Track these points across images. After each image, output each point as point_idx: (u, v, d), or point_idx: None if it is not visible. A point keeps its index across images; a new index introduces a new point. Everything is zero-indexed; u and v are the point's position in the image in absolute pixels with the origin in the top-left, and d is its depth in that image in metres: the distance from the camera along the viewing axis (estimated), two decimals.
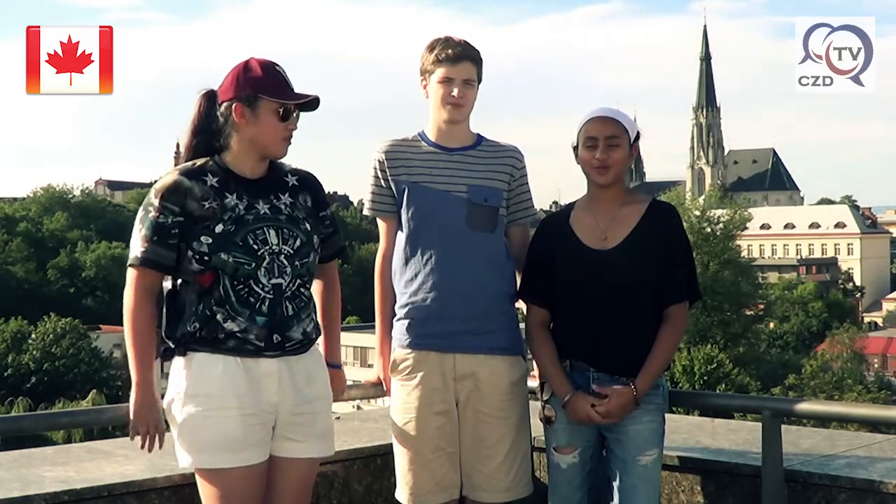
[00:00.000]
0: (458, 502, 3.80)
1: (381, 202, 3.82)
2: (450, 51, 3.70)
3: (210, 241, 3.30)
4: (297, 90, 3.40)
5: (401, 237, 3.77)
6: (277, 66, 3.40)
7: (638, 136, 3.68)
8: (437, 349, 3.70)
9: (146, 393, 3.31)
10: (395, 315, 3.79)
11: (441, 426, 3.72)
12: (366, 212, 3.88)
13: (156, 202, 3.32)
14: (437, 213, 3.72)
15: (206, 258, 3.30)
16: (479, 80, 3.78)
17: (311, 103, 3.41)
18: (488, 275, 3.72)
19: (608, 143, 3.60)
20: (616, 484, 3.54)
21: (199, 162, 3.41)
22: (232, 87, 3.37)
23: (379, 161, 3.80)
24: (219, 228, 3.31)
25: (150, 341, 3.32)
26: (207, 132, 3.42)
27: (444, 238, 3.71)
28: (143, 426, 3.30)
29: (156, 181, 3.43)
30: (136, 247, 3.32)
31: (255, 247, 3.33)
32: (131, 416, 3.31)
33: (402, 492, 3.79)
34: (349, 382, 3.83)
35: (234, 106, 3.36)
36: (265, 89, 3.34)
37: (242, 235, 3.33)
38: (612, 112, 3.66)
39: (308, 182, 3.53)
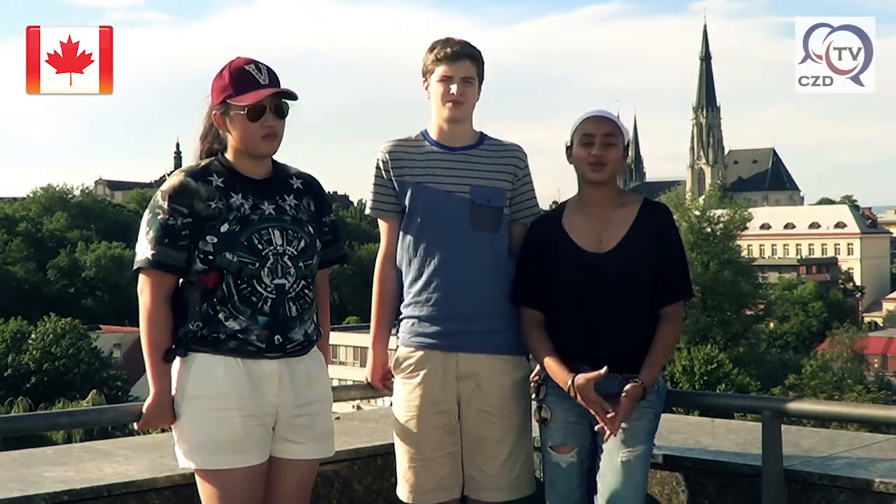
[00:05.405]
0: (459, 501, 3.81)
1: (383, 202, 3.82)
2: (448, 49, 3.71)
3: (215, 240, 3.31)
4: (283, 86, 3.35)
5: (405, 237, 3.77)
6: (250, 64, 3.36)
7: (629, 144, 3.71)
8: (441, 348, 3.70)
9: (162, 395, 3.34)
10: (399, 314, 3.80)
11: (443, 425, 3.72)
12: (367, 212, 3.88)
13: (164, 204, 3.32)
14: (440, 214, 3.73)
15: (210, 258, 3.31)
16: (481, 80, 3.79)
17: (284, 95, 3.36)
18: (492, 275, 3.72)
19: (605, 141, 3.62)
20: (600, 478, 3.55)
21: (204, 162, 3.42)
22: (213, 95, 3.39)
23: (382, 161, 3.80)
24: (224, 228, 3.32)
25: (167, 344, 3.33)
26: (211, 136, 3.45)
27: (448, 238, 3.71)
28: (154, 426, 3.38)
29: (157, 181, 3.47)
30: (146, 249, 3.32)
31: (260, 247, 3.33)
32: (144, 414, 3.37)
33: (402, 490, 3.80)
34: (349, 382, 3.84)
35: (214, 115, 3.38)
36: (231, 94, 3.34)
37: (247, 235, 3.33)
38: (609, 113, 3.69)
39: (312, 186, 3.54)
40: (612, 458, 3.53)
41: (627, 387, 3.49)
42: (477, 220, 3.73)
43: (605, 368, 3.49)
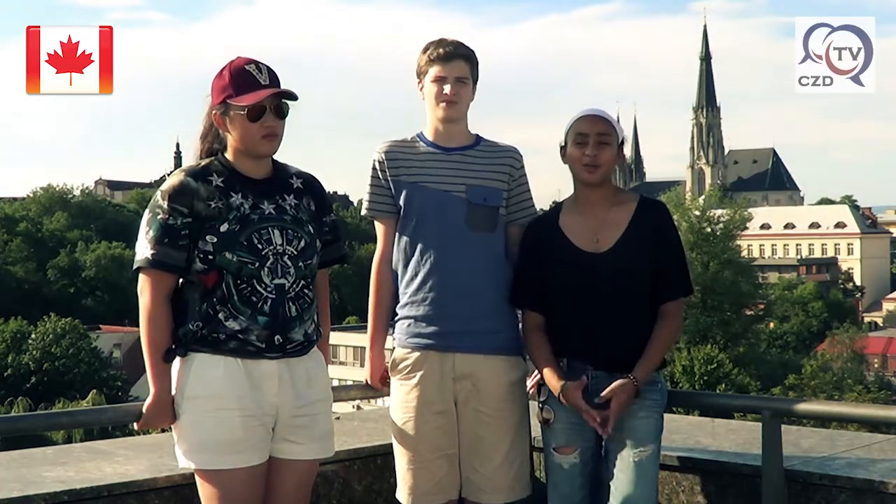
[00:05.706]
0: (456, 502, 3.80)
1: (380, 202, 3.81)
2: (441, 50, 3.72)
3: (215, 240, 3.31)
4: (283, 86, 3.35)
5: (401, 237, 3.77)
6: (250, 64, 3.36)
7: (623, 142, 3.70)
8: (437, 349, 3.70)
9: (162, 395, 3.34)
10: (394, 315, 3.80)
11: (440, 426, 3.72)
12: (364, 212, 3.88)
13: (164, 204, 3.32)
14: (436, 213, 3.72)
15: (210, 257, 3.31)
16: (475, 80, 3.79)
17: (285, 95, 3.36)
18: (488, 275, 3.72)
19: (598, 140, 3.61)
20: (613, 480, 3.54)
21: (204, 162, 3.42)
22: (213, 95, 3.39)
23: (379, 161, 3.80)
24: (223, 228, 3.32)
25: (167, 344, 3.33)
26: (211, 135, 3.45)
27: (444, 238, 3.71)
28: (154, 426, 3.39)
29: (157, 181, 3.46)
30: (145, 249, 3.32)
31: (260, 246, 3.33)
32: (144, 414, 3.38)
33: (401, 492, 3.79)
34: (349, 382, 3.84)
35: (214, 115, 3.38)
36: (231, 94, 3.34)
37: (247, 235, 3.33)
38: (602, 112, 3.68)
39: (312, 186, 3.54)
40: (623, 460, 3.52)
41: (615, 383, 3.48)
42: (473, 219, 3.72)
43: (584, 378, 3.52)
